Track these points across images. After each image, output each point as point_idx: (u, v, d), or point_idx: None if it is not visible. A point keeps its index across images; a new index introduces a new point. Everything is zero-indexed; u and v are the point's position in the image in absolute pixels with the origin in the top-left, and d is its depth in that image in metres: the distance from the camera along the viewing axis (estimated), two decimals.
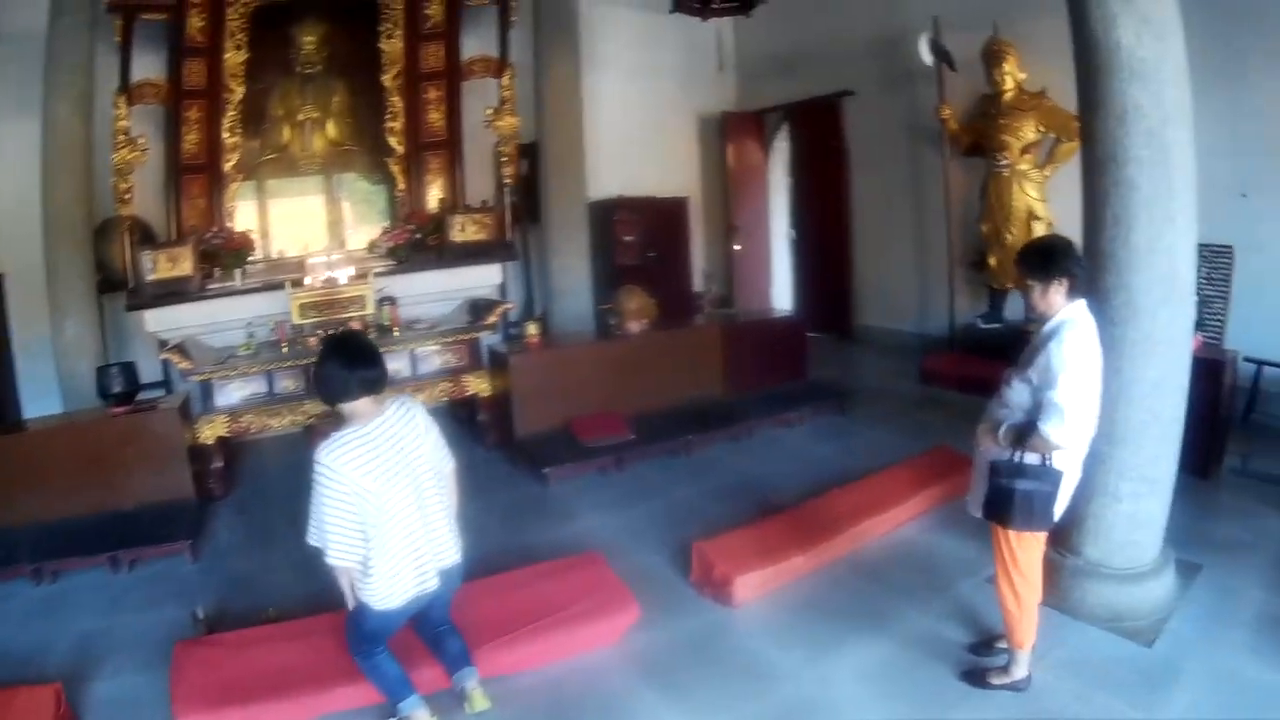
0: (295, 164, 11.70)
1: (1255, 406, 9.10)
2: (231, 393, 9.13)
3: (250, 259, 10.81)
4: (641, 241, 14.92)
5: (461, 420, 10.48)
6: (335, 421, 4.76)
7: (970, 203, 12.21)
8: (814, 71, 14.80)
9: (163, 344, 9.38)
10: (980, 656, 5.45)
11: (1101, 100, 5.37)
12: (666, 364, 10.49)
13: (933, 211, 13.02)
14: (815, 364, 12.12)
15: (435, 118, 12.03)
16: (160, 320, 9.71)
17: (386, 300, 10.22)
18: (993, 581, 5.29)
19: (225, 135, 10.85)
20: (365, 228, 12.17)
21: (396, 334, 9.87)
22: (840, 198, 15.06)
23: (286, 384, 9.38)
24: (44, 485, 7.71)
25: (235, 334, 9.72)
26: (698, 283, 15.88)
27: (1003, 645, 5.29)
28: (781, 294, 17.17)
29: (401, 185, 12.07)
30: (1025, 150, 11.12)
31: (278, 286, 9.86)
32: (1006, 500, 4.68)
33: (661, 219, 15.35)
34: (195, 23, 10.42)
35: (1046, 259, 4.71)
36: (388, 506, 4.50)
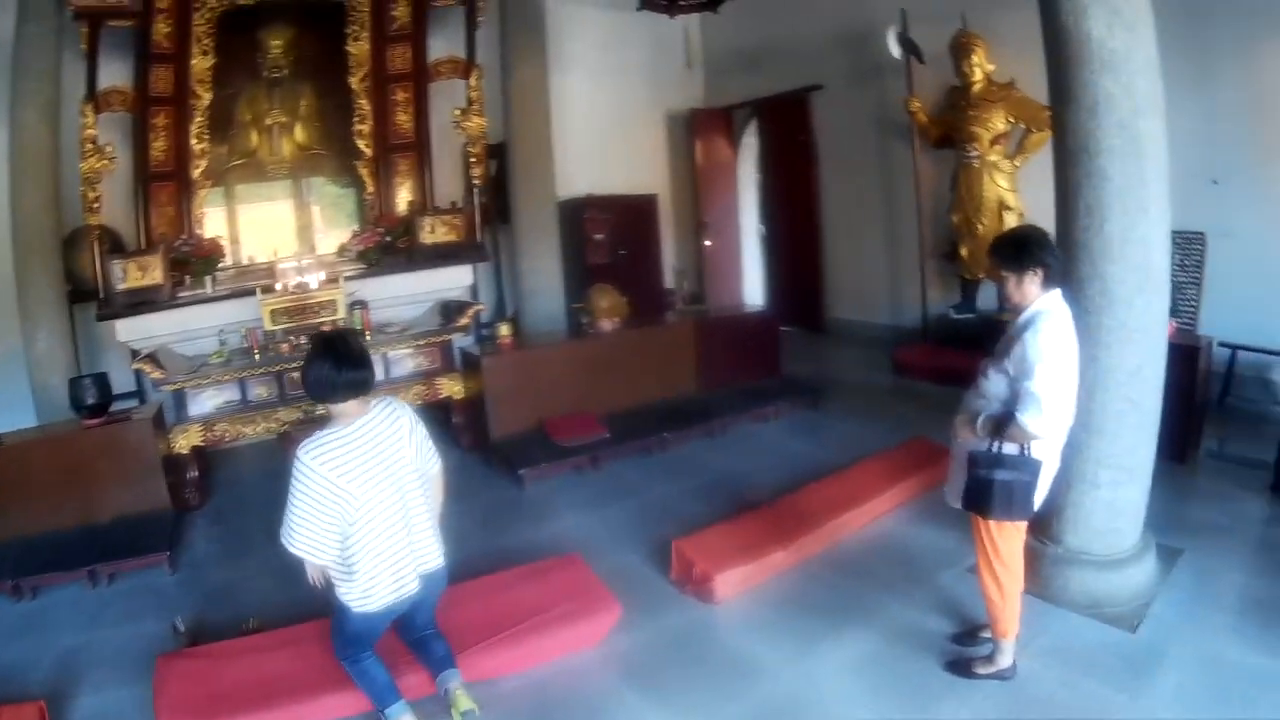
0: (264, 169, 11.63)
1: (1230, 391, 9.23)
2: (205, 401, 9.07)
3: (220, 266, 10.75)
4: (612, 240, 14.87)
5: (436, 423, 10.21)
6: (317, 422, 4.76)
7: (940, 194, 12.27)
8: (782, 67, 14.83)
9: (135, 354, 9.36)
10: (964, 647, 5.46)
11: (1073, 92, 5.39)
12: (639, 362, 10.52)
13: (903, 204, 13.11)
14: (788, 359, 12.15)
15: (403, 120, 12.00)
16: (132, 330, 9.64)
17: (358, 304, 10.19)
18: (974, 571, 5.32)
19: (193, 142, 10.77)
20: (335, 232, 12.11)
21: (368, 338, 9.80)
22: (810, 192, 15.11)
23: (260, 391, 9.33)
24: (20, 500, 7.63)
25: (207, 342, 9.68)
26: (669, 280, 15.88)
27: (986, 635, 5.31)
28: (753, 289, 17.24)
29: (370, 188, 12.03)
30: (995, 141, 11.16)
31: (249, 293, 9.82)
32: (986, 491, 4.69)
33: (631, 217, 15.32)
34: (162, 29, 10.33)
35: (1020, 250, 4.71)
36: (366, 508, 4.49)
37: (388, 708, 4.85)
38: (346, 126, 11.85)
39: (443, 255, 11.43)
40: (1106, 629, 5.51)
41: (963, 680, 5.13)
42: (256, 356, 9.33)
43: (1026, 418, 4.44)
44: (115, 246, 10.28)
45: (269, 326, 9.50)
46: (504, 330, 10.34)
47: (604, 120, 15.24)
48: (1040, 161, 9.90)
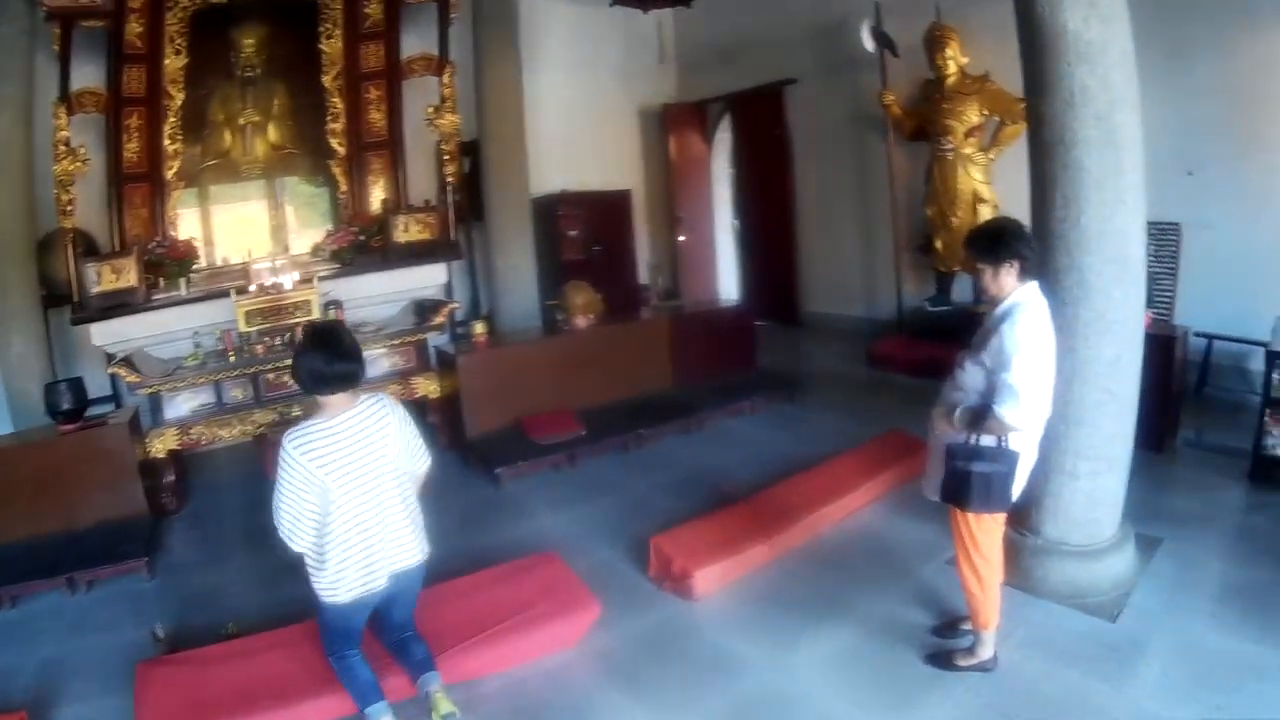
0: (237, 169, 11.57)
1: (1207, 380, 9.32)
2: (181, 405, 9.03)
3: (194, 267, 10.69)
4: (586, 236, 14.94)
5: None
6: (292, 423, 4.75)
7: (915, 187, 12.34)
8: (755, 61, 14.86)
9: (110, 357, 9.27)
10: (945, 639, 5.48)
11: (1048, 84, 5.40)
12: (615, 358, 10.52)
13: (878, 197, 13.16)
14: (764, 353, 12.20)
15: (376, 118, 11.94)
16: (106, 333, 9.57)
17: (332, 304, 10.16)
18: (953, 564, 5.33)
19: (166, 142, 10.70)
20: (309, 231, 12.06)
21: None
22: (784, 186, 15.16)
23: (236, 393, 9.30)
24: None
25: (183, 344, 9.60)
26: (643, 276, 15.91)
27: (967, 627, 5.32)
28: (728, 284, 17.27)
29: (344, 187, 11.97)
30: (969, 134, 11.22)
31: (223, 294, 9.75)
32: (964, 483, 4.70)
33: (605, 213, 15.37)
34: (134, 28, 10.27)
35: (996, 242, 4.72)
36: (341, 500, 4.52)
37: (368, 707, 4.83)
38: (320, 125, 11.80)
39: (417, 254, 11.41)
40: (1087, 619, 5.53)
41: (944, 673, 5.13)
42: (232, 358, 9.29)
43: (1004, 410, 4.44)
44: (89, 249, 10.20)
45: (244, 328, 9.45)
46: (479, 328, 10.32)
47: (577, 116, 15.26)
48: (1014, 154, 9.95)
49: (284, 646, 5.50)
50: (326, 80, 11.67)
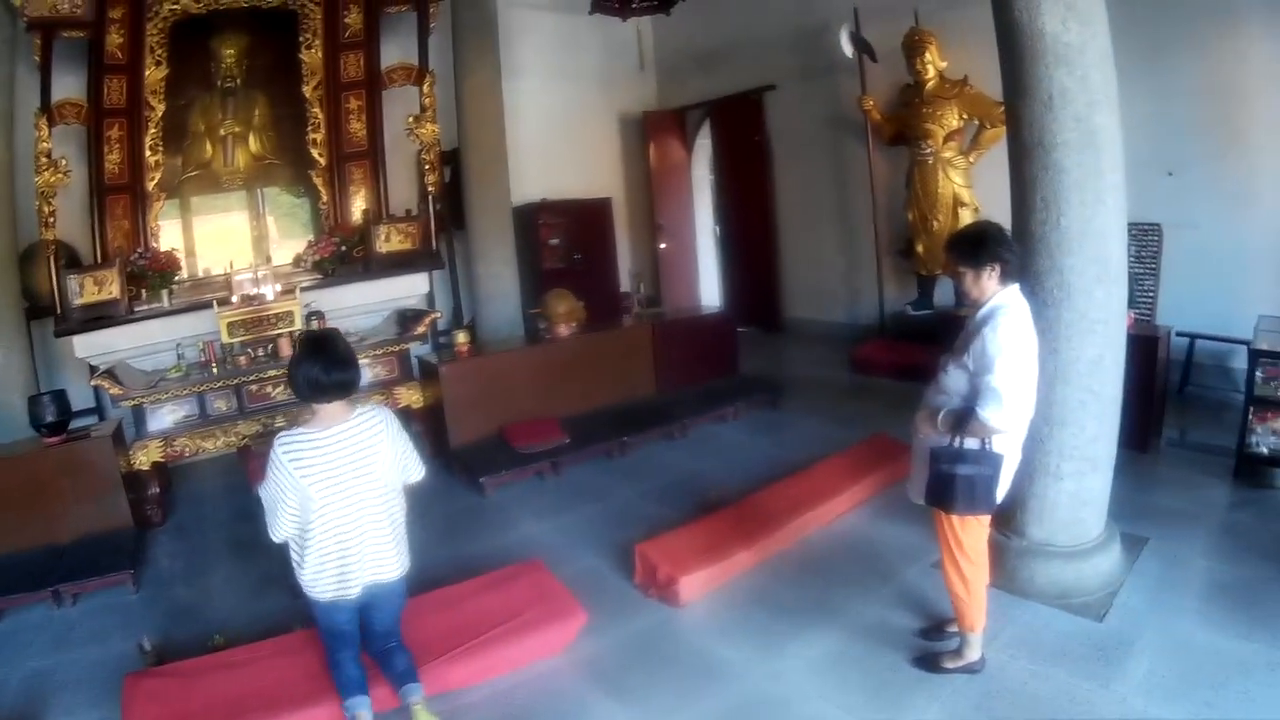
0: (218, 180, 11.56)
1: (1190, 379, 9.40)
2: (164, 416, 9.03)
3: (176, 279, 10.68)
4: (567, 244, 15.00)
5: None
6: (276, 435, 4.76)
7: (895, 191, 12.39)
8: (735, 67, 14.94)
9: (93, 370, 9.29)
10: (932, 641, 5.48)
11: (1028, 86, 5.43)
12: (597, 366, 10.54)
13: (858, 201, 13.24)
14: (746, 358, 12.24)
15: (357, 127, 11.96)
16: (89, 345, 9.58)
17: (315, 315, 10.13)
18: (938, 567, 5.33)
19: (147, 154, 10.69)
20: (290, 242, 12.05)
21: None
22: (764, 192, 15.22)
23: (219, 405, 9.29)
24: None
25: (166, 356, 9.60)
26: (625, 283, 15.88)
27: (953, 629, 5.32)
28: (709, 290, 17.30)
29: (325, 197, 11.98)
30: (949, 138, 11.28)
31: (205, 306, 9.76)
32: (948, 486, 4.70)
33: (586, 221, 15.41)
34: (114, 39, 10.25)
35: (977, 246, 4.72)
36: (322, 509, 4.56)
37: (347, 699, 4.85)
38: (300, 135, 11.81)
39: (398, 263, 11.46)
40: (1074, 619, 5.55)
41: (932, 675, 5.14)
42: (214, 370, 9.30)
43: (987, 412, 4.44)
44: (71, 261, 10.20)
45: (226, 339, 9.43)
46: (461, 338, 10.26)
47: (557, 124, 15.27)
48: (994, 157, 10.02)
49: (272, 658, 5.48)
50: (307, 90, 11.68)
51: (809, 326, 14.85)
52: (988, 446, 4.67)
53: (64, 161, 9.78)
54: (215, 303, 9.55)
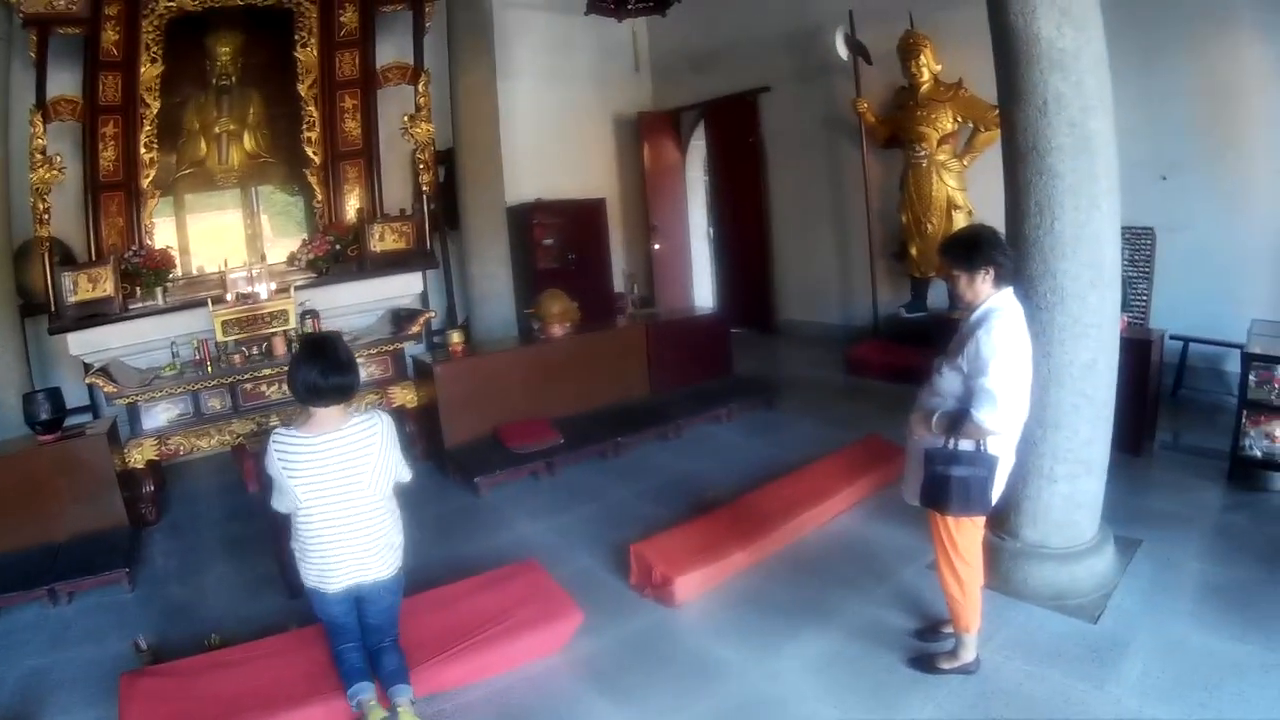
0: (213, 178, 11.55)
1: (1183, 383, 9.41)
2: (158, 415, 9.00)
3: (171, 277, 10.65)
4: (561, 245, 14.99)
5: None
6: (270, 434, 4.79)
7: (889, 194, 12.39)
8: (729, 69, 14.97)
9: (87, 367, 9.29)
10: (927, 642, 5.49)
11: (1022, 91, 5.45)
12: (592, 366, 10.56)
13: (852, 204, 13.25)
14: (740, 359, 12.25)
15: (351, 126, 11.94)
16: (84, 343, 9.56)
17: (309, 314, 10.12)
18: (933, 568, 5.36)
19: (142, 151, 10.66)
20: (284, 240, 12.05)
21: None
22: (758, 193, 15.25)
23: (213, 403, 9.26)
24: None
25: (160, 354, 9.59)
26: (619, 284, 15.88)
27: (948, 630, 5.34)
28: (703, 291, 17.33)
29: (320, 196, 11.96)
30: (943, 140, 11.30)
31: (200, 304, 9.75)
32: (943, 487, 4.72)
33: (580, 221, 15.41)
34: (110, 36, 10.22)
35: (971, 249, 4.75)
36: (306, 508, 4.66)
37: (350, 687, 4.88)
38: (295, 134, 11.79)
39: (392, 263, 11.44)
40: (1068, 620, 5.57)
41: (927, 675, 5.15)
42: (209, 368, 9.27)
43: (982, 414, 4.46)
44: (65, 258, 10.20)
45: (220, 338, 9.41)
46: (455, 337, 10.25)
47: (552, 124, 15.27)
48: (988, 160, 10.07)
49: (268, 657, 5.47)
50: (302, 89, 11.65)
51: (803, 328, 14.88)
52: (982, 448, 4.68)
53: (59, 158, 9.77)
54: (210, 301, 9.53)
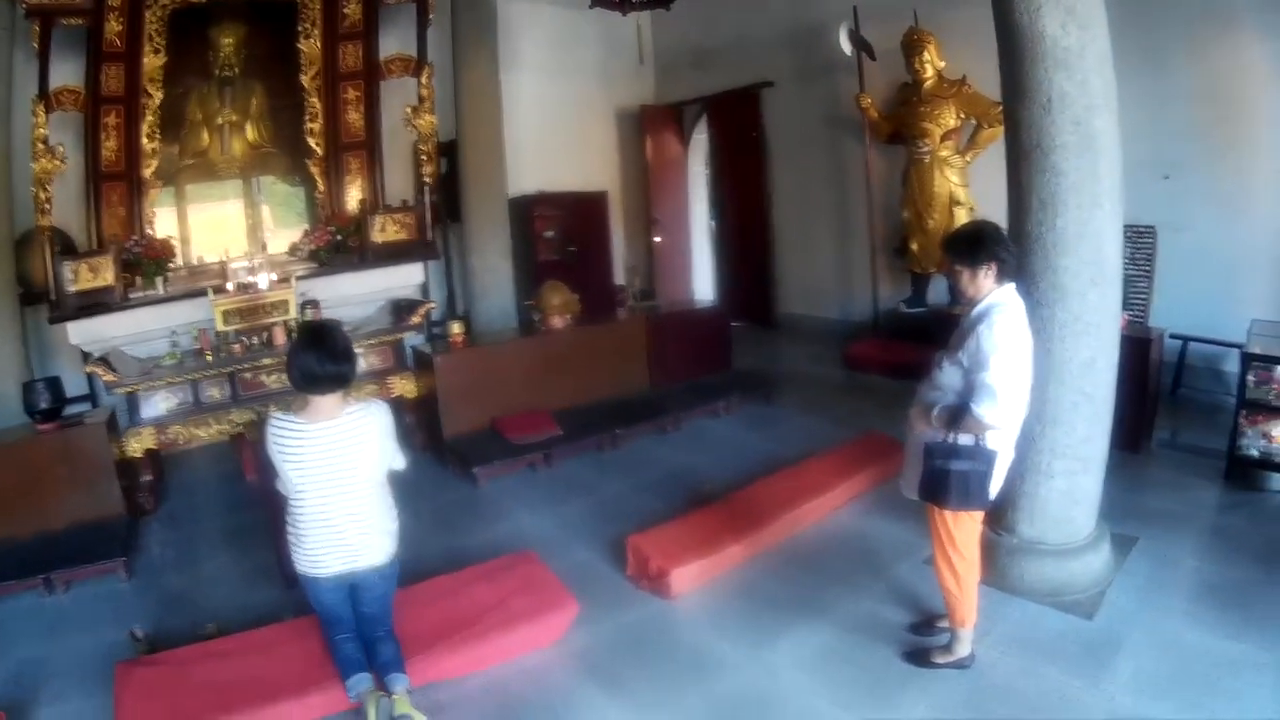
0: (214, 168, 11.54)
1: (1182, 381, 9.42)
2: (157, 404, 9.00)
3: (171, 267, 10.64)
4: (562, 237, 15.01)
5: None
6: (289, 406, 4.82)
7: (891, 190, 12.40)
8: (733, 63, 14.94)
9: (87, 356, 9.27)
10: (922, 637, 5.52)
11: (1027, 89, 5.45)
12: (591, 359, 10.56)
13: (854, 199, 13.27)
14: (739, 354, 12.24)
15: (354, 118, 11.95)
16: (83, 332, 9.54)
17: (309, 304, 10.14)
18: (930, 563, 5.39)
19: (144, 141, 10.64)
20: (286, 231, 12.05)
21: None
22: (760, 188, 15.24)
23: (212, 393, 9.27)
24: None
25: (160, 344, 9.55)
26: (619, 276, 15.80)
27: (944, 625, 5.36)
28: (703, 285, 17.35)
29: (321, 187, 11.97)
30: (946, 137, 11.30)
31: (200, 294, 9.75)
32: (942, 481, 4.74)
33: (582, 214, 15.41)
34: (113, 27, 10.21)
35: (974, 245, 4.76)
36: (300, 494, 4.71)
37: (348, 678, 4.91)
38: (297, 125, 11.79)
39: (393, 254, 11.45)
40: (1064, 617, 5.59)
41: (922, 670, 5.17)
42: (209, 358, 9.25)
43: (982, 408, 4.47)
44: (66, 248, 10.15)
45: (221, 327, 9.44)
46: (455, 329, 10.28)
47: (555, 117, 15.24)
48: (990, 157, 10.11)
49: (264, 647, 5.49)
50: (305, 80, 11.65)
51: (803, 322, 14.89)
52: (982, 443, 4.69)
53: (61, 148, 9.78)
54: (210, 291, 9.55)
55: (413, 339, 10.80)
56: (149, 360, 9.37)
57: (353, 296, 11.21)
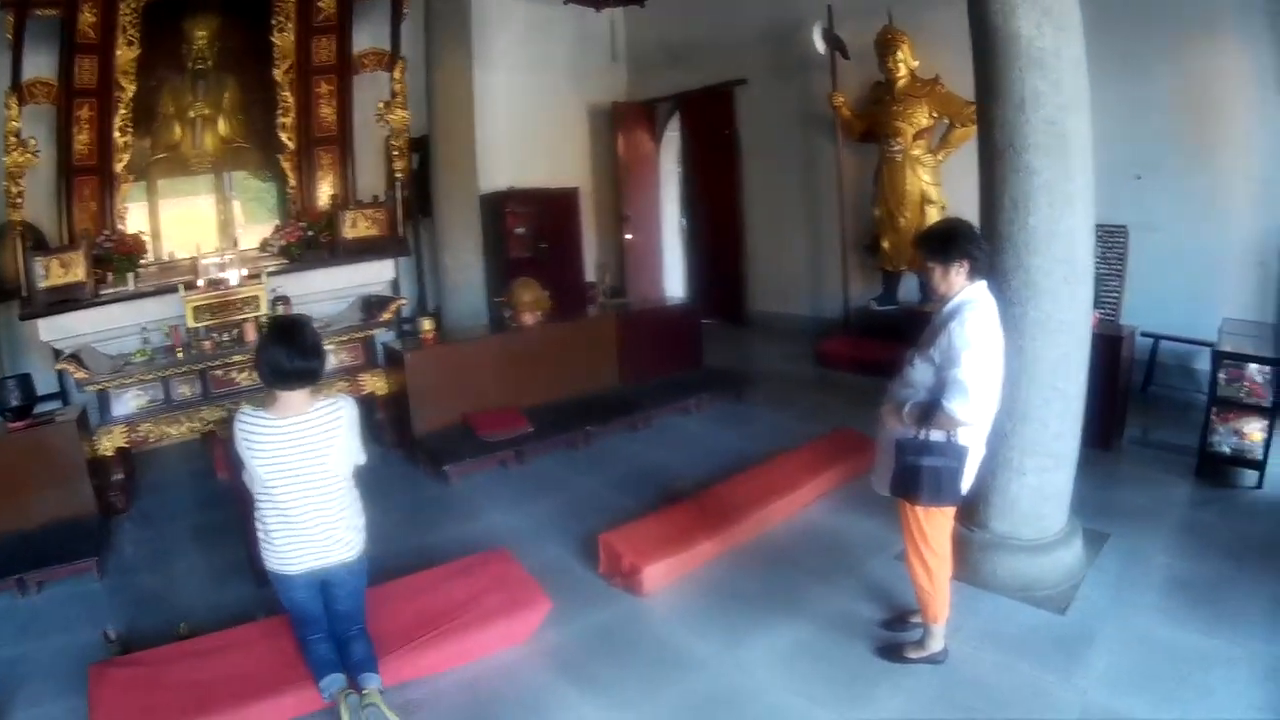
0: (186, 163, 11.47)
1: (1153, 379, 9.47)
2: (128, 402, 8.94)
3: (142, 262, 10.58)
4: (533, 234, 14.97)
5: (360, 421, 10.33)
6: (265, 399, 4.83)
7: (863, 188, 12.48)
8: (706, 60, 14.96)
9: (57, 354, 9.20)
10: (895, 632, 5.56)
11: (1000, 88, 5.48)
12: (562, 356, 10.56)
13: (825, 197, 13.32)
14: (710, 351, 12.26)
15: (327, 112, 11.92)
16: (54, 329, 9.46)
17: (280, 300, 10.07)
18: (902, 558, 5.44)
19: (116, 135, 10.59)
20: (257, 226, 11.98)
21: None
22: (732, 185, 15.28)
23: (184, 390, 9.21)
24: None
25: (131, 341, 9.50)
26: (590, 273, 15.86)
27: (917, 620, 5.40)
28: (674, 282, 17.37)
29: (293, 182, 11.93)
30: (918, 136, 11.38)
31: (171, 290, 9.65)
32: (914, 477, 4.76)
33: (553, 210, 15.38)
34: (87, 18, 10.13)
35: (947, 242, 4.78)
36: (268, 489, 4.72)
37: (320, 679, 4.90)
38: (269, 119, 11.75)
39: (365, 250, 11.44)
40: (1036, 612, 5.64)
41: (895, 665, 5.21)
42: (180, 355, 9.20)
43: (953, 405, 4.51)
44: (38, 243, 10.06)
45: (192, 324, 9.37)
46: (426, 325, 10.27)
47: (527, 113, 15.24)
48: (963, 156, 10.17)
49: (237, 646, 5.47)
50: (277, 74, 11.61)
51: (774, 320, 14.94)
52: (953, 439, 4.72)
53: (33, 142, 9.69)
54: (181, 287, 9.47)
55: (384, 336, 10.76)
56: (120, 357, 9.31)
57: (324, 293, 11.18)
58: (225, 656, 5.36)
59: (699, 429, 10.11)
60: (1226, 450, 7.40)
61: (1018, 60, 5.35)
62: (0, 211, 9.75)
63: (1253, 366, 7.32)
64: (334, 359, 9.95)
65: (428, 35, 11.74)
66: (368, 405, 9.91)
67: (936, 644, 5.16)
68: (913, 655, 5.20)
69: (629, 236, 16.41)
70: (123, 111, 10.61)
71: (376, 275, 11.67)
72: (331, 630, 5.12)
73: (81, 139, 10.36)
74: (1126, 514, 6.90)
